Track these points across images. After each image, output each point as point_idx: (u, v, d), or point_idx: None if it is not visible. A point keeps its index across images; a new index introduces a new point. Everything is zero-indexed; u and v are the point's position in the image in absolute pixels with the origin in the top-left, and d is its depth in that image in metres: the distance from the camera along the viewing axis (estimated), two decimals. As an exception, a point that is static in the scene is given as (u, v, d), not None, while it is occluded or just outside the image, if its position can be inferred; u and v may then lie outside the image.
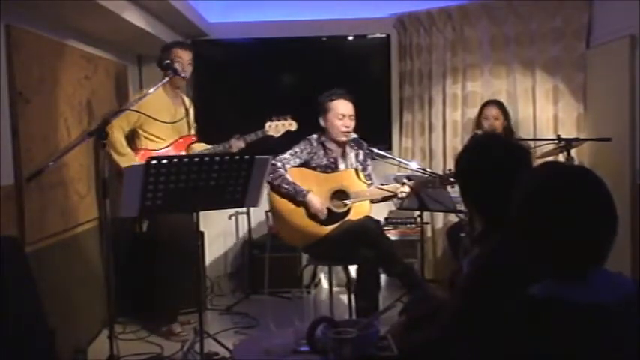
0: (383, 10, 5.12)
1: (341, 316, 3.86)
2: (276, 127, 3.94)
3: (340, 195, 3.81)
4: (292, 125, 3.97)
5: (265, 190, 3.47)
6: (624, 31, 4.05)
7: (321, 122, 3.85)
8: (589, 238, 1.33)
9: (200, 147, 4.03)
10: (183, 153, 3.97)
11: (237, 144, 3.90)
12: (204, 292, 4.59)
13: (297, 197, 3.74)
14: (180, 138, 3.98)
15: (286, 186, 3.74)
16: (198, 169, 2.91)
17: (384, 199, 3.85)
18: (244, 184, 3.07)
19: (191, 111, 4.14)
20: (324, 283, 5.11)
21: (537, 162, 3.97)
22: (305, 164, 3.85)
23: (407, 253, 4.46)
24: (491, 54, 4.93)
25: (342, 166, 3.90)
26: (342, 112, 3.79)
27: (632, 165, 4.01)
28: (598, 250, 1.35)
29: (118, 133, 3.71)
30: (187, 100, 4.16)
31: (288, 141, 3.95)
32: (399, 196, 3.74)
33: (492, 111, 4.49)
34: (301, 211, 3.77)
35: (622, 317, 1.30)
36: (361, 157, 3.93)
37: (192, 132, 4.11)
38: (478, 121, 4.58)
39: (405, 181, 3.72)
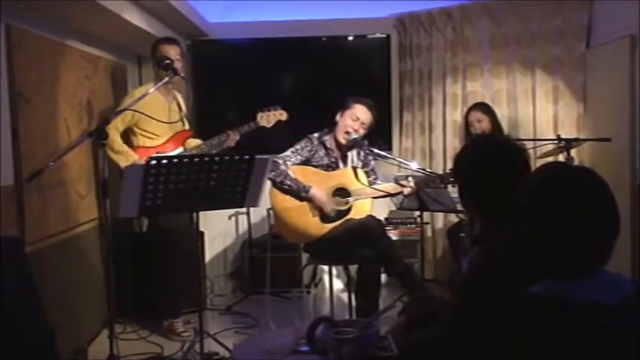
0: (383, 10, 5.13)
1: (341, 316, 3.86)
2: (267, 118, 3.96)
3: (341, 193, 3.81)
4: (283, 115, 3.99)
5: (267, 189, 3.48)
6: (624, 31, 4.05)
7: (337, 117, 3.86)
8: (590, 238, 1.33)
9: (195, 142, 4.02)
10: (181, 148, 3.97)
11: (233, 136, 3.90)
12: (204, 292, 4.59)
13: (300, 193, 3.75)
14: (175, 134, 3.97)
15: (289, 182, 3.75)
16: (198, 169, 2.91)
17: (389, 195, 3.84)
18: (244, 184, 3.06)
19: (183, 106, 4.13)
20: (325, 283, 5.11)
21: (537, 162, 4.00)
22: (306, 162, 3.86)
23: (407, 253, 4.46)
24: (492, 54, 4.93)
25: (342, 165, 3.90)
26: (358, 115, 3.80)
27: (632, 165, 4.01)
28: (599, 250, 1.35)
29: (113, 132, 3.68)
30: (179, 96, 4.15)
31: (290, 141, 3.95)
32: (405, 192, 3.75)
33: (475, 115, 4.52)
34: (302, 208, 3.77)
35: (622, 317, 1.30)
36: (362, 154, 3.94)
37: (187, 127, 4.11)
38: (466, 129, 4.61)
39: (410, 179, 3.73)
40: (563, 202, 1.34)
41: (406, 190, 3.73)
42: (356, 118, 3.81)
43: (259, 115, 3.96)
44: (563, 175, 1.41)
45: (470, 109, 4.61)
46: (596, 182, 1.37)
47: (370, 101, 3.87)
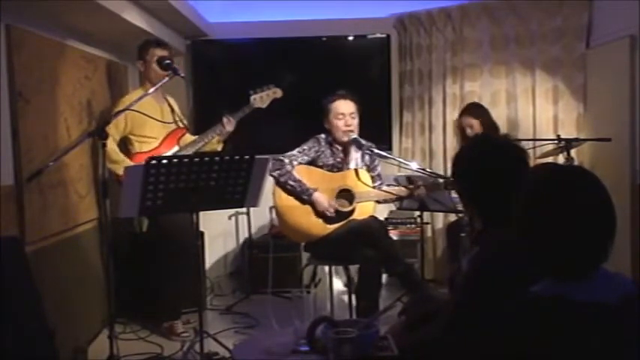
0: (383, 10, 5.12)
1: (341, 316, 3.86)
2: (261, 99, 3.93)
3: (345, 194, 3.81)
4: (277, 92, 3.96)
5: (269, 187, 3.47)
6: (624, 31, 4.05)
7: (325, 125, 3.86)
8: (588, 238, 1.33)
9: (190, 138, 3.99)
10: (176, 147, 3.94)
11: (229, 125, 3.87)
12: (205, 292, 4.59)
13: (302, 195, 3.74)
14: (169, 133, 3.95)
15: (292, 183, 3.75)
16: (199, 170, 2.91)
17: (399, 197, 3.83)
18: (244, 184, 3.07)
19: (175, 107, 4.11)
20: (325, 283, 5.11)
21: (537, 162, 3.99)
22: (312, 162, 3.86)
23: (407, 253, 4.46)
24: (491, 54, 4.93)
25: (348, 166, 3.89)
26: (341, 112, 3.80)
27: (632, 165, 4.01)
28: (598, 250, 1.35)
29: (110, 141, 3.65)
30: (170, 98, 4.12)
31: (290, 141, 3.95)
32: (414, 194, 3.74)
33: (466, 121, 4.58)
34: (305, 208, 3.77)
35: (622, 317, 1.30)
36: (367, 157, 3.93)
37: (181, 125, 4.08)
38: (461, 131, 4.65)
39: (420, 183, 3.72)
40: (560, 203, 1.34)
41: (416, 195, 3.73)
42: (341, 115, 3.80)
43: (252, 97, 3.91)
44: (559, 175, 1.42)
45: (461, 114, 4.67)
46: (590, 181, 1.38)
47: (340, 91, 3.86)
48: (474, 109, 4.62)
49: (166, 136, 3.93)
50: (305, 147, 3.86)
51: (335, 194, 3.80)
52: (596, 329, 1.29)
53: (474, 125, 4.53)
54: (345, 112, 3.80)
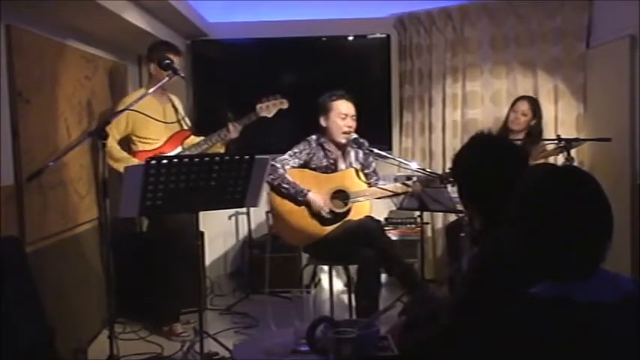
0: (383, 10, 5.13)
1: (341, 316, 3.86)
2: (267, 108, 3.93)
3: (340, 195, 3.81)
4: (284, 103, 3.96)
5: (265, 191, 3.47)
6: (624, 31, 4.05)
7: (322, 122, 3.84)
8: (586, 238, 1.33)
9: (195, 140, 4.01)
10: (180, 148, 3.96)
11: (235, 131, 3.87)
12: (204, 292, 4.59)
13: (297, 197, 3.74)
14: (173, 135, 3.95)
15: (286, 185, 3.74)
16: (199, 170, 2.91)
17: (395, 194, 3.82)
18: (244, 184, 3.07)
19: (180, 108, 4.12)
20: (324, 283, 5.11)
21: (537, 162, 3.98)
22: (305, 165, 3.85)
23: (407, 253, 4.45)
24: (492, 54, 4.93)
25: (341, 167, 3.89)
26: (344, 112, 3.79)
27: (632, 165, 4.01)
28: (596, 250, 1.35)
29: (111, 140, 3.64)
30: (175, 99, 4.13)
31: (290, 141, 3.95)
32: (410, 192, 3.73)
33: (523, 106, 4.41)
34: (302, 211, 3.77)
35: (622, 317, 1.30)
36: (361, 155, 3.92)
37: (185, 127, 4.09)
38: (508, 115, 4.50)
39: (414, 179, 3.72)
40: (557, 203, 1.34)
41: (412, 190, 3.72)
42: (344, 116, 3.79)
43: (259, 105, 3.93)
44: (556, 176, 1.42)
45: (519, 98, 4.48)
46: (586, 182, 1.37)
47: (341, 91, 3.85)
48: (533, 101, 4.46)
49: (171, 137, 3.93)
50: (296, 150, 3.84)
51: (329, 195, 3.80)
52: (597, 329, 1.28)
53: (527, 114, 4.36)
54: (348, 113, 3.79)
